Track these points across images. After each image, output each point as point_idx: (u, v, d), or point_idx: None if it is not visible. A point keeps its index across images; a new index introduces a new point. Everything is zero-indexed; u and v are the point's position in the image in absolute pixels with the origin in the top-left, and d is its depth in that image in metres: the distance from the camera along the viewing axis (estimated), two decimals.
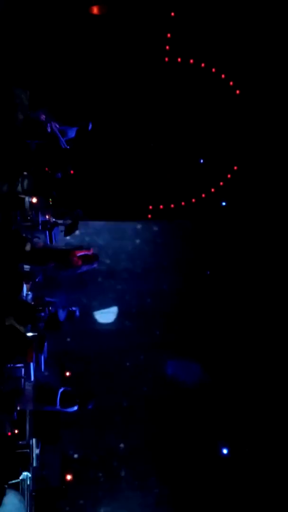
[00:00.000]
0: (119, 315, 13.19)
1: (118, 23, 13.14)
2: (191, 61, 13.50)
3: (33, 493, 10.47)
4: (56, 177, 11.83)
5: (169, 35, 13.40)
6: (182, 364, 13.03)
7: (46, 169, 11.59)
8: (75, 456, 12.32)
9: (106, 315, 12.99)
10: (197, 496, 12.39)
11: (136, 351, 13.07)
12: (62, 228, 12.03)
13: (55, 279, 12.14)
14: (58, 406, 10.60)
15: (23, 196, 11.19)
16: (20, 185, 10.94)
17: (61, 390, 10.62)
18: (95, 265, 11.97)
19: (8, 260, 10.46)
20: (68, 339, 12.54)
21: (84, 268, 11.76)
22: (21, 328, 9.91)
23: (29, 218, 11.34)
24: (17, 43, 12.02)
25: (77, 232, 12.23)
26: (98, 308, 13.06)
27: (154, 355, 13.07)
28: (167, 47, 13.46)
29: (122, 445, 12.60)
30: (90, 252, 11.87)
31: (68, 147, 11.98)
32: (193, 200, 13.56)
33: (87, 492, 12.31)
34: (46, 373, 11.22)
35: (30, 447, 10.35)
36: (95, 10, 13.10)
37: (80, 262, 11.63)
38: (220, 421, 12.72)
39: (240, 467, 12.58)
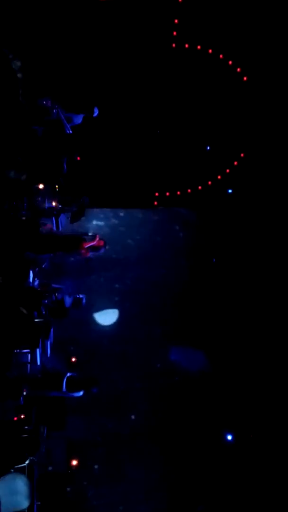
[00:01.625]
0: (124, 302, 13.22)
1: (124, 8, 13.07)
2: (199, 47, 13.43)
3: (38, 478, 10.55)
4: (63, 163, 11.84)
5: (176, 20, 13.33)
6: (186, 351, 13.07)
7: (53, 154, 11.59)
8: (80, 441, 12.38)
9: (106, 317, 13.00)
10: (201, 482, 12.47)
11: (140, 339, 13.10)
12: (68, 215, 12.05)
13: (61, 265, 12.16)
14: (64, 391, 10.66)
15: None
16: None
17: (67, 375, 10.68)
18: (102, 251, 12.01)
19: (15, 246, 10.49)
20: (74, 326, 12.57)
21: (92, 254, 11.82)
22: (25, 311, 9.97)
23: (35, 205, 11.35)
24: (23, 30, 11.98)
25: (83, 219, 12.26)
26: (104, 298, 13.08)
27: (158, 342, 13.11)
28: (175, 33, 13.39)
29: (126, 431, 12.66)
30: (96, 241, 11.89)
31: (73, 133, 11.99)
32: (200, 187, 13.54)
33: (92, 478, 12.39)
34: (52, 359, 11.27)
35: (36, 432, 10.41)
36: None
37: (88, 253, 11.69)
38: (224, 408, 12.76)
39: (245, 454, 12.63)
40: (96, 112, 12.42)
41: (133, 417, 12.68)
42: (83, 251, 11.61)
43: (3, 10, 11.72)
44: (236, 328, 12.98)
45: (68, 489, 11.82)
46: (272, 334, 12.94)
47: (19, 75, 11.06)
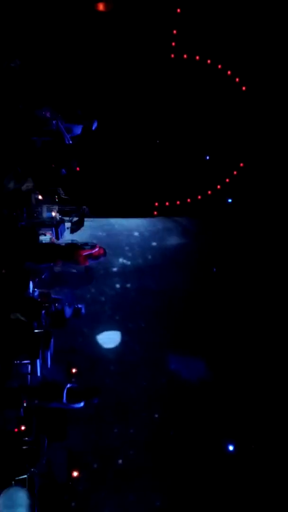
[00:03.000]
0: (124, 311, 13.20)
1: (123, 20, 13.14)
2: (197, 57, 13.49)
3: (39, 489, 10.50)
4: (62, 174, 11.87)
5: (175, 31, 13.39)
6: (186, 360, 13.04)
7: (52, 166, 11.63)
8: (81, 453, 12.34)
9: (108, 339, 12.97)
10: (203, 492, 12.40)
11: (141, 348, 13.07)
12: (68, 225, 12.05)
13: (61, 276, 12.15)
14: (64, 402, 10.63)
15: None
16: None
17: (67, 386, 10.64)
18: (101, 259, 12.01)
19: (15, 256, 10.49)
20: (74, 336, 12.56)
21: (92, 262, 11.82)
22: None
23: (35, 215, 11.36)
24: (24, 40, 12.04)
25: (82, 228, 12.26)
26: (103, 308, 13.07)
27: (159, 352, 13.08)
28: (173, 44, 13.45)
29: (127, 441, 12.61)
30: (95, 251, 11.89)
31: (73, 143, 12.02)
32: (199, 197, 13.56)
33: (93, 489, 12.33)
34: (52, 370, 11.24)
35: (37, 443, 10.37)
36: (100, 7, 13.09)
37: (87, 262, 11.69)
38: (226, 417, 12.72)
39: (246, 464, 12.58)
40: (95, 125, 12.46)
41: (134, 426, 12.63)
42: (81, 259, 11.60)
43: (4, 20, 11.78)
44: (237, 337, 12.95)
45: (73, 504, 11.77)
46: (274, 343, 12.92)
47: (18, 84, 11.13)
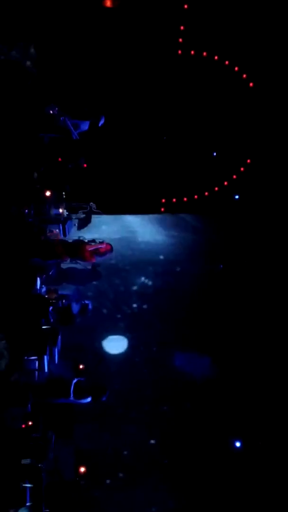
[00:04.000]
0: (131, 308, 13.20)
1: (131, 16, 13.11)
2: (205, 53, 13.46)
3: (46, 486, 10.52)
4: (69, 170, 11.86)
5: (182, 27, 13.36)
6: (193, 357, 13.03)
7: (60, 160, 11.62)
8: (88, 449, 12.36)
9: (115, 345, 12.97)
10: (210, 489, 12.41)
11: (148, 345, 13.07)
12: (75, 221, 12.05)
13: (68, 272, 12.14)
14: (71, 397, 10.63)
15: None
16: None
17: (74, 381, 10.65)
18: (108, 255, 12.00)
19: (22, 253, 10.50)
20: (81, 333, 12.56)
21: (99, 259, 11.81)
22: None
23: (42, 211, 11.36)
24: (31, 38, 12.02)
25: (89, 225, 12.26)
26: (110, 305, 13.07)
27: (166, 349, 13.08)
28: (180, 40, 13.42)
29: (134, 439, 12.62)
30: (102, 246, 11.88)
31: (80, 140, 12.01)
32: (206, 193, 13.54)
33: (100, 485, 12.35)
34: (59, 366, 11.25)
35: (44, 439, 10.38)
36: (108, 3, 13.07)
37: (93, 259, 11.67)
38: (232, 414, 12.72)
39: (253, 461, 12.58)
40: (102, 121, 12.44)
41: (140, 423, 12.65)
42: (87, 254, 11.58)
43: (12, 19, 11.78)
44: (244, 333, 12.95)
45: (79, 500, 11.77)
46: (281, 340, 12.90)
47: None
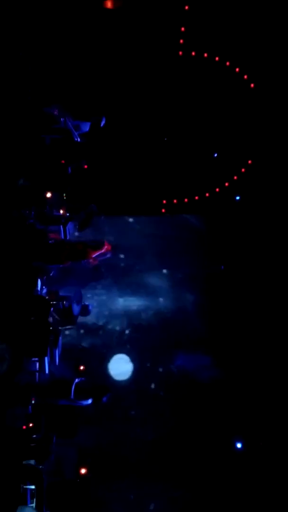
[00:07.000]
0: (132, 308, 13.20)
1: (131, 17, 13.13)
2: (205, 55, 13.47)
3: (48, 487, 10.53)
4: (70, 171, 11.88)
5: (183, 28, 13.37)
6: (195, 358, 13.04)
7: (62, 162, 11.64)
8: (90, 450, 12.37)
9: (120, 371, 12.97)
10: (211, 489, 12.42)
11: (150, 345, 13.08)
12: (76, 223, 12.06)
13: (69, 273, 12.16)
14: (72, 398, 10.65)
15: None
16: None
17: (75, 381, 10.66)
18: (108, 255, 12.02)
19: (23, 254, 10.51)
20: (82, 334, 12.58)
21: (99, 260, 11.83)
22: None
23: (43, 213, 11.38)
24: (32, 39, 12.05)
25: (90, 226, 12.28)
26: (111, 306, 13.07)
27: (168, 349, 13.08)
28: (181, 41, 13.43)
29: (136, 440, 12.63)
30: (104, 250, 11.91)
31: (81, 141, 12.03)
32: (207, 194, 13.54)
33: (101, 486, 12.35)
34: (60, 367, 11.26)
35: (45, 440, 10.40)
36: (109, 4, 13.09)
37: (96, 262, 11.71)
38: (234, 415, 12.72)
39: (255, 461, 12.58)
40: (103, 122, 12.46)
41: (142, 424, 12.65)
42: (91, 260, 11.62)
43: (13, 18, 11.80)
44: (246, 334, 12.95)
45: (81, 501, 11.78)
46: (282, 341, 12.90)
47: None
